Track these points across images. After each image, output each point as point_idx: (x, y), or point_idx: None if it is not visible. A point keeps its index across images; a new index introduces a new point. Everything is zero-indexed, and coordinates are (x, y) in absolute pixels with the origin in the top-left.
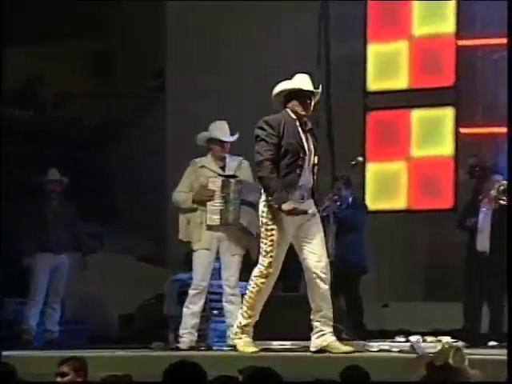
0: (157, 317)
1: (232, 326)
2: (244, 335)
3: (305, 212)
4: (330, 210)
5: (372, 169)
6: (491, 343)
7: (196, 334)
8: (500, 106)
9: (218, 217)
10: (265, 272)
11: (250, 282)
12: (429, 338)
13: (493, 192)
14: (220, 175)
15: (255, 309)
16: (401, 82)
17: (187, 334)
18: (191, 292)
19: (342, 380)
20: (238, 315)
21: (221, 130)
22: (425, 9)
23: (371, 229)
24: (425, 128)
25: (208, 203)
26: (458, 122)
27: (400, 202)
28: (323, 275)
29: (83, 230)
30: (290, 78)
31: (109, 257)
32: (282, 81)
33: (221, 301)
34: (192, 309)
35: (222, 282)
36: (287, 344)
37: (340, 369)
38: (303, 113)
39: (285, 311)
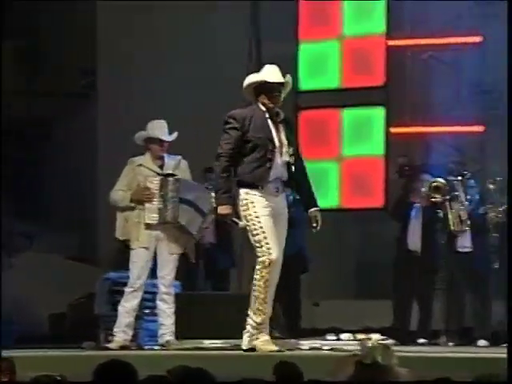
0: (88, 316)
1: (163, 324)
2: (261, 334)
3: (235, 223)
4: None
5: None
6: (420, 341)
7: (130, 333)
8: (429, 106)
9: (157, 215)
10: (267, 261)
11: (255, 277)
12: (359, 336)
13: (424, 190)
14: (158, 174)
15: (267, 302)
16: (332, 81)
17: (121, 333)
18: (127, 290)
19: (275, 378)
20: (250, 314)
21: (160, 130)
22: (355, 9)
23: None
24: (355, 127)
25: (146, 202)
26: (389, 122)
27: (331, 201)
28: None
29: (12, 229)
30: (254, 73)
31: (39, 256)
32: (249, 74)
33: (153, 300)
34: (127, 307)
35: (158, 280)
36: (218, 342)
37: (270, 367)
38: (271, 105)
39: (215, 310)
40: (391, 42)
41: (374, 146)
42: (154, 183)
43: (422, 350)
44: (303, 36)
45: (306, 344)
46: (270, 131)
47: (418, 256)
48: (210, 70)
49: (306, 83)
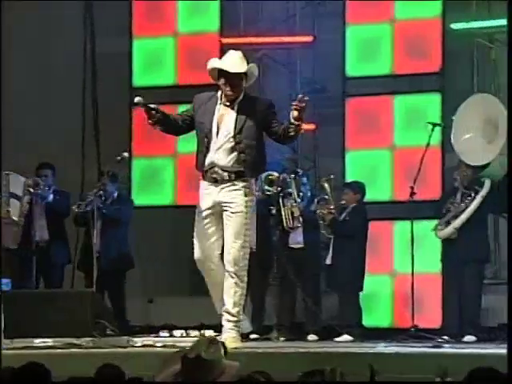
0: None
1: None
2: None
3: None
4: (94, 205)
5: (138, 164)
6: (252, 336)
7: None
8: None
9: None
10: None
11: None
12: (192, 333)
13: (258, 184)
14: None
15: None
16: (167, 78)
17: None
18: None
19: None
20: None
21: None
22: (189, 6)
23: (137, 224)
24: None
25: None
26: None
27: (166, 198)
28: (229, 268)
29: None
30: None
31: None
32: None
33: None
34: None
35: None
36: (49, 341)
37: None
38: (228, 92)
39: (47, 307)
40: (225, 40)
41: None
42: None
43: (253, 345)
44: (138, 32)
45: (138, 341)
46: (212, 116)
47: (253, 252)
48: (47, 69)
49: (141, 80)
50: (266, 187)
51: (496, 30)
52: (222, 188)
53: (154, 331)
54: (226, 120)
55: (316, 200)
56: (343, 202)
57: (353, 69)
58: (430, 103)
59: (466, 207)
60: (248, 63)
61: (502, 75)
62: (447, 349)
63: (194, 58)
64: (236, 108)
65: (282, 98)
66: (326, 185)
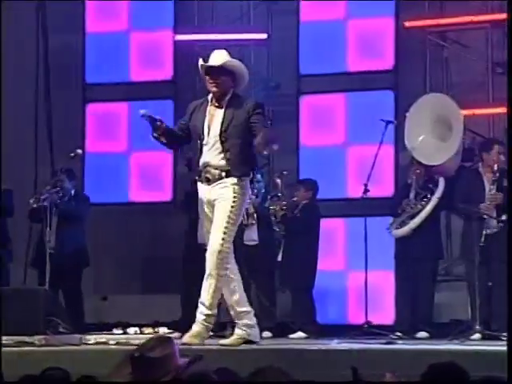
0: None
1: None
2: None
3: None
4: (50, 202)
5: (92, 161)
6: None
7: None
8: None
9: None
10: None
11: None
12: (146, 330)
13: None
14: None
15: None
16: (121, 75)
17: None
18: None
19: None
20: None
21: None
22: (143, 3)
23: (90, 221)
24: (144, 121)
25: None
26: (177, 116)
27: (121, 195)
28: (207, 260)
29: None
30: None
31: None
32: None
33: None
34: None
35: None
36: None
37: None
38: (212, 89)
39: None
40: (179, 37)
41: None
42: None
43: (207, 342)
44: (91, 28)
45: (91, 339)
46: (203, 117)
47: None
48: None
49: (93, 76)
50: None
51: (448, 28)
52: (213, 186)
53: (107, 329)
54: (215, 120)
55: (269, 197)
56: (295, 198)
57: (307, 67)
58: (384, 101)
59: (422, 209)
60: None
61: (454, 73)
62: (400, 345)
63: (148, 54)
64: (224, 107)
65: None
66: (279, 181)
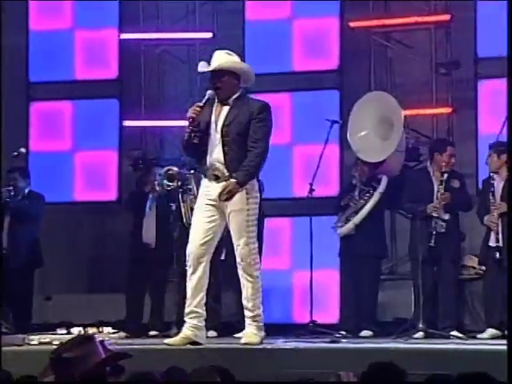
0: None
1: None
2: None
3: None
4: (2, 201)
5: (36, 160)
6: (152, 333)
7: None
8: (163, 100)
9: None
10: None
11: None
12: (90, 330)
13: (159, 179)
14: None
15: (191, 294)
16: (66, 73)
17: None
18: None
19: None
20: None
21: None
22: (87, 1)
23: None
24: (89, 120)
25: None
26: (122, 115)
27: (65, 195)
28: (239, 265)
29: None
30: None
31: None
32: None
33: None
34: None
35: None
36: None
37: None
38: (216, 91)
39: None
40: (124, 36)
41: (108, 138)
42: None
43: (152, 342)
44: (35, 26)
45: (35, 339)
46: (209, 116)
47: (153, 248)
48: None
49: (37, 75)
50: (166, 182)
51: (392, 28)
52: (217, 183)
53: (51, 329)
54: (220, 116)
55: None
56: None
57: (252, 66)
58: (329, 100)
59: (365, 204)
60: (239, 63)
61: (398, 73)
62: (344, 344)
63: (93, 53)
64: (230, 106)
65: (181, 94)
66: None
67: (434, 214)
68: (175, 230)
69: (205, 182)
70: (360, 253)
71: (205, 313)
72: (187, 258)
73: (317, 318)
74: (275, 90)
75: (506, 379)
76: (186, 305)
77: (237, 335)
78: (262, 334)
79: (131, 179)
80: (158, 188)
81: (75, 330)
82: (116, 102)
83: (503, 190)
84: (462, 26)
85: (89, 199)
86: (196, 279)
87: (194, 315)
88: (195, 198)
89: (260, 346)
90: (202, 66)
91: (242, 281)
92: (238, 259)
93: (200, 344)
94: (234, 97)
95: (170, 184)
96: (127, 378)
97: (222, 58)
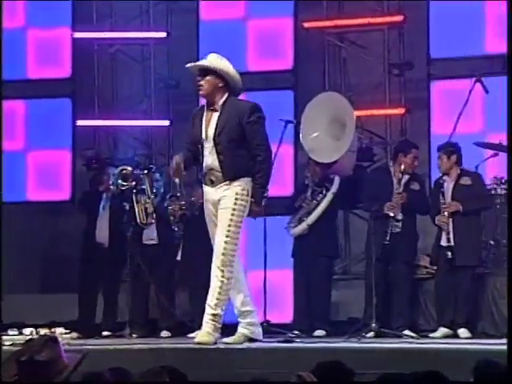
0: None
1: None
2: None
3: None
4: None
5: None
6: (105, 333)
7: None
8: (116, 99)
9: None
10: None
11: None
12: (42, 330)
13: (113, 179)
14: None
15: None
16: (18, 72)
17: None
18: None
19: None
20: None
21: None
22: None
23: None
24: (42, 119)
25: None
26: (76, 114)
27: (18, 195)
28: (213, 262)
29: None
30: None
31: None
32: None
33: None
34: None
35: None
36: None
37: None
38: (199, 92)
39: None
40: (77, 35)
41: (61, 138)
42: None
43: (105, 342)
44: None
45: None
46: (200, 123)
47: (106, 248)
48: None
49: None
50: (120, 182)
51: (346, 29)
52: (217, 188)
53: (2, 329)
54: (211, 123)
55: (168, 196)
56: (194, 198)
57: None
58: (283, 100)
59: (318, 204)
60: (227, 67)
61: (352, 74)
62: (297, 343)
63: (46, 52)
64: (219, 111)
65: (135, 93)
66: (178, 180)
67: (390, 214)
68: (128, 229)
69: (204, 187)
70: (313, 253)
71: (254, 308)
72: None
73: (271, 317)
74: None
75: (457, 378)
76: (234, 307)
77: (190, 335)
78: (217, 335)
79: (84, 179)
80: (112, 188)
81: (27, 331)
82: (69, 102)
83: (453, 191)
84: (414, 26)
85: (42, 199)
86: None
87: (245, 314)
88: (148, 198)
89: (213, 346)
90: (190, 64)
91: (212, 278)
92: (214, 256)
93: (257, 340)
94: (221, 101)
95: (124, 184)
96: (80, 378)
97: (209, 59)
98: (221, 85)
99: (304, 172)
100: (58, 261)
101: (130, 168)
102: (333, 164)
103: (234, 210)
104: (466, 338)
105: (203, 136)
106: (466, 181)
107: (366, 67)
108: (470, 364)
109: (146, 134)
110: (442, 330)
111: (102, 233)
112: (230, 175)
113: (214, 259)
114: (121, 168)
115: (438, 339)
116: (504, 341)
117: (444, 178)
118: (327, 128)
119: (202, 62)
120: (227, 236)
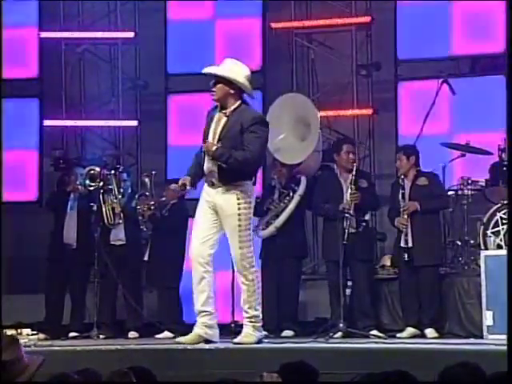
0: None
1: None
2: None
3: None
4: None
5: None
6: (72, 334)
7: None
8: (85, 99)
9: None
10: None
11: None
12: (9, 332)
13: (80, 179)
14: None
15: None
16: None
17: None
18: None
19: None
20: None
21: None
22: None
23: None
24: (8, 119)
25: None
26: (43, 114)
27: None
28: (235, 268)
29: None
30: None
31: None
32: None
33: None
34: None
35: None
36: None
37: None
38: (212, 97)
39: None
40: (44, 34)
41: (28, 138)
42: None
43: (72, 343)
44: None
45: None
46: (210, 124)
47: (74, 249)
48: None
49: None
50: (88, 182)
51: (314, 30)
52: (218, 191)
53: None
54: (218, 128)
55: (137, 196)
56: (163, 198)
57: (175, 66)
58: (252, 101)
59: (286, 206)
60: (238, 72)
61: (320, 74)
62: (265, 344)
63: (12, 51)
64: (228, 116)
65: (103, 93)
66: (147, 180)
67: (346, 214)
68: (96, 230)
69: (205, 187)
70: (281, 254)
71: (214, 310)
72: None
73: (239, 318)
74: (197, 90)
75: (425, 378)
76: (195, 305)
77: (158, 336)
78: (259, 334)
79: (52, 179)
80: (79, 188)
81: None
82: (36, 101)
83: (410, 191)
84: (382, 28)
85: (8, 199)
86: (197, 279)
87: (203, 314)
88: (116, 198)
89: (180, 347)
90: (208, 69)
91: (240, 284)
92: (234, 263)
93: (212, 342)
94: (233, 107)
95: (92, 184)
96: (47, 379)
97: (222, 66)
98: (232, 91)
99: (269, 174)
100: (25, 261)
101: (97, 168)
102: (298, 164)
103: (239, 215)
104: (433, 338)
105: (209, 137)
106: (422, 181)
107: (334, 68)
108: (438, 364)
109: (114, 134)
110: (409, 330)
111: (70, 233)
112: (228, 179)
113: (235, 266)
114: (88, 168)
115: (406, 339)
116: (471, 340)
117: (402, 179)
118: (292, 128)
119: (214, 70)
120: (240, 241)
